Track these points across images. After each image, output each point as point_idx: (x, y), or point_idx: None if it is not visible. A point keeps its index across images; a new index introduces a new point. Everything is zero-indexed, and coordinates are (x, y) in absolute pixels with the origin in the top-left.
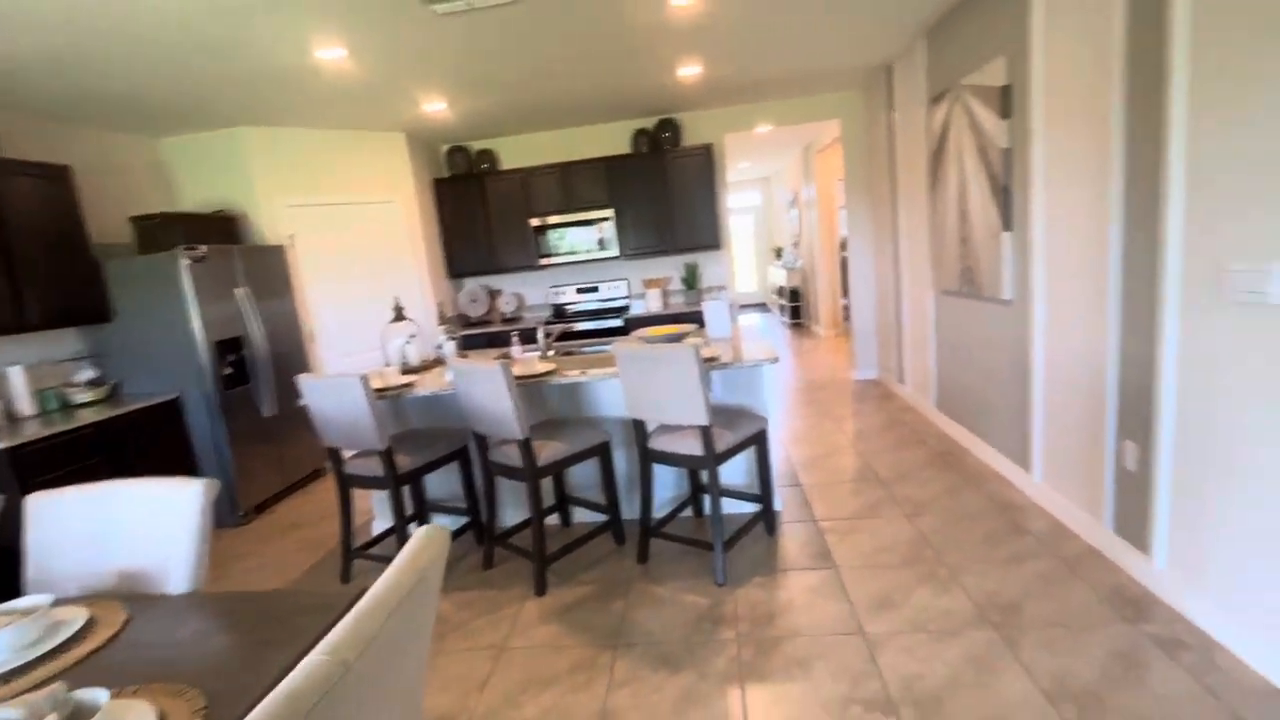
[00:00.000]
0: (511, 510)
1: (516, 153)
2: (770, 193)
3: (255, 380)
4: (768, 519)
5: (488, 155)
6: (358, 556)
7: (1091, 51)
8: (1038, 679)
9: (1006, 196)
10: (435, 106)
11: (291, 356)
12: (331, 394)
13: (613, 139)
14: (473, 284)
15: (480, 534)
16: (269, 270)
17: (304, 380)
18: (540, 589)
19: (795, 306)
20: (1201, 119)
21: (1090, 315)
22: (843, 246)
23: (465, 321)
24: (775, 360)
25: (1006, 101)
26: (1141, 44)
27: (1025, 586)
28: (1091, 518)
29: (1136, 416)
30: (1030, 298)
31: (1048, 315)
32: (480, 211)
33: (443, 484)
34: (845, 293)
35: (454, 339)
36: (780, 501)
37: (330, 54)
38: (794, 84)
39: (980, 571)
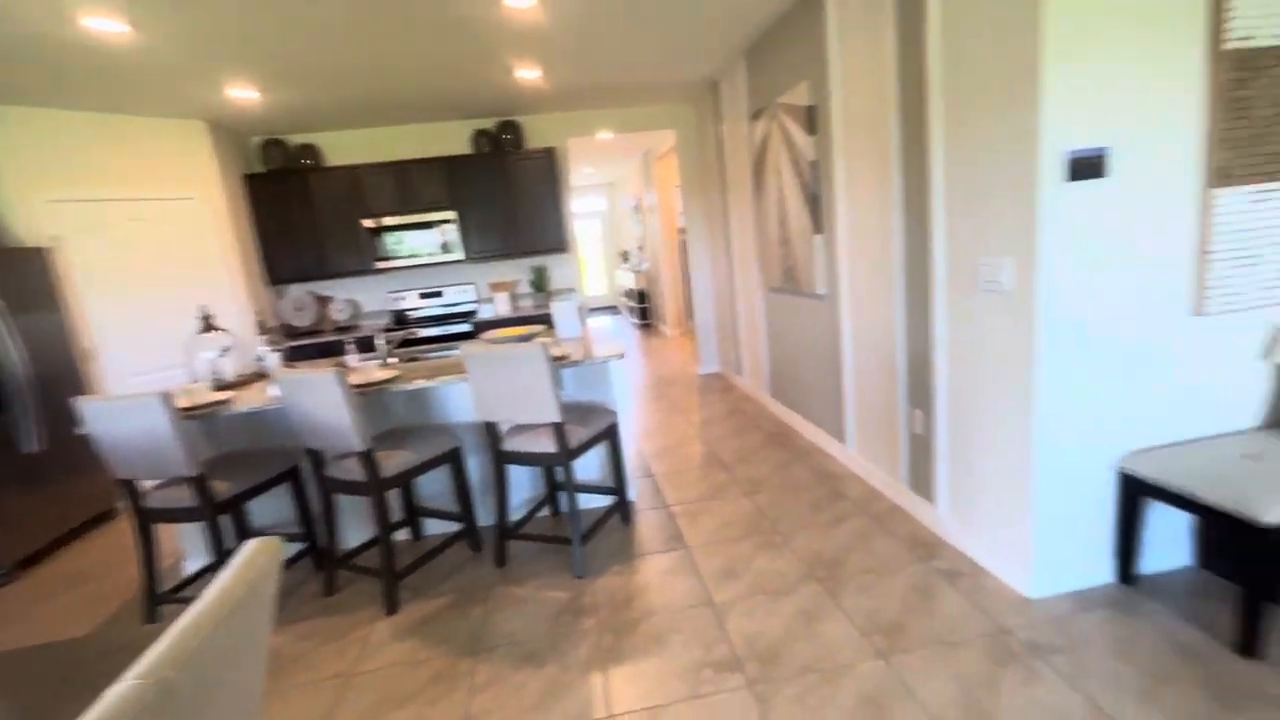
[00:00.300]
0: (354, 530)
1: (344, 148)
2: (615, 198)
3: (12, 410)
4: (623, 509)
5: (310, 150)
6: (165, 601)
7: (874, 78)
8: (855, 620)
9: (816, 204)
10: (245, 94)
11: (63, 379)
12: (124, 417)
13: (451, 138)
14: (298, 291)
15: (319, 559)
16: (27, 278)
17: (86, 404)
18: (391, 607)
19: (643, 308)
20: (951, 141)
21: (884, 305)
22: (683, 249)
23: (291, 332)
24: (622, 355)
25: (812, 120)
26: (908, 76)
27: (844, 543)
28: (893, 478)
29: (921, 388)
30: (839, 292)
31: (853, 306)
32: (304, 211)
33: (271, 509)
34: (688, 293)
35: (278, 350)
36: (634, 492)
37: (106, 25)
38: (632, 93)
39: (808, 535)
